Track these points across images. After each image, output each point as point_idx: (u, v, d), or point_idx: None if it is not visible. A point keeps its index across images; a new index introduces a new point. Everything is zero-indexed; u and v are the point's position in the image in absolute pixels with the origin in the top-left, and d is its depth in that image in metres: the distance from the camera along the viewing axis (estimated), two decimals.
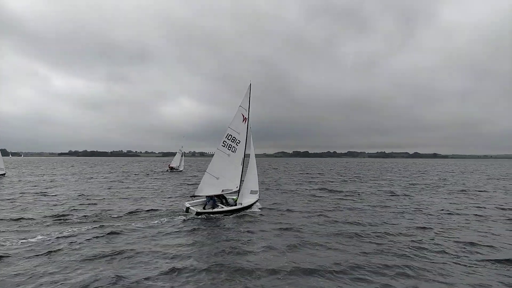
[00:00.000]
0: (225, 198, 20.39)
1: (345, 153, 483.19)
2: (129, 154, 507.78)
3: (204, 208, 19.01)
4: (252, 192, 20.60)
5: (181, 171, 70.10)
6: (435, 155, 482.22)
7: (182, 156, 72.42)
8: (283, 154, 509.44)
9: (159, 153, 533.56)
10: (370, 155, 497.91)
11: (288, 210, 20.69)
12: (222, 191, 19.44)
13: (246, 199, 20.11)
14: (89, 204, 22.51)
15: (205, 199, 19.73)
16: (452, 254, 11.87)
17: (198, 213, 18.10)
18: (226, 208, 18.99)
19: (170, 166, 72.45)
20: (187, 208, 18.66)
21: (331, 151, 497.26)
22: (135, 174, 58.80)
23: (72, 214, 18.46)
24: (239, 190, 20.06)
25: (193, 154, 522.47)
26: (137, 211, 19.50)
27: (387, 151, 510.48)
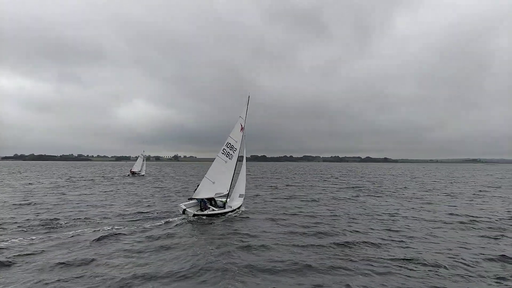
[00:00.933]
0: (215, 200, 21.92)
1: (301, 157, 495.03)
2: (80, 158, 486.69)
3: (201, 210, 20.42)
4: (240, 195, 22.43)
5: (142, 175, 70.03)
6: (385, 160, 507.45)
7: (144, 160, 73.26)
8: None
9: (112, 157, 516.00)
10: (325, 159, 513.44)
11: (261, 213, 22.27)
12: (215, 194, 21.03)
13: (234, 202, 21.86)
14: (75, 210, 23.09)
15: (196, 201, 21.18)
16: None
17: (195, 215, 19.52)
18: (220, 211, 20.52)
19: (132, 170, 72.15)
20: (184, 210, 20.01)
21: (288, 155, 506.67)
22: (103, 178, 58.05)
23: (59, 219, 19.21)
24: (228, 194, 21.69)
25: (147, 158, 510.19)
26: (131, 214, 20.70)
27: (341, 155, 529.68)
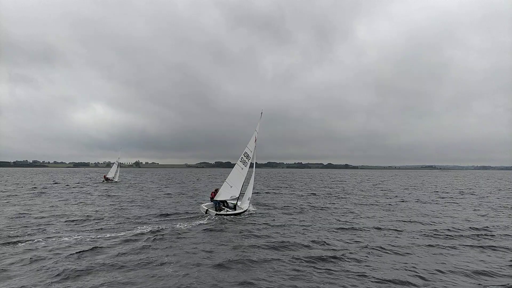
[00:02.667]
0: (227, 202, 24.95)
1: (265, 163, 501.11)
2: (35, 164, 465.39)
3: (216, 210, 23.47)
4: (249, 198, 25.56)
5: (116, 182, 70.44)
6: (346, 166, 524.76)
7: (118, 167, 73.31)
8: (205, 165, 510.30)
9: (69, 163, 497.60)
10: (289, 166, 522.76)
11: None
12: (231, 196, 24.12)
13: (244, 204, 24.94)
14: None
15: (213, 203, 24.45)
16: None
17: (216, 214, 22.66)
18: (236, 212, 23.60)
19: (106, 176, 72.78)
20: (206, 210, 23.23)
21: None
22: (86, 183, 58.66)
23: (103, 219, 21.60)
24: (238, 197, 24.76)
25: (108, 164, 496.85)
26: (157, 215, 23.36)
27: (304, 161, 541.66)
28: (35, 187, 52.09)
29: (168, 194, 41.52)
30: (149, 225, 19.57)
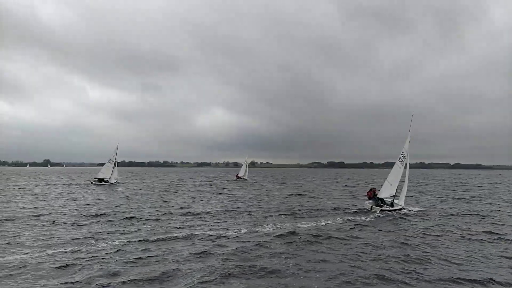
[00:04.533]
0: (383, 200, 26.26)
1: (382, 163, 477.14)
2: (165, 164, 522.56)
3: (378, 207, 25.20)
4: (405, 196, 26.66)
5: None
6: (478, 166, 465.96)
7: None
8: (318, 165, 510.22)
9: (194, 163, 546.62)
10: (410, 166, 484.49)
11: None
12: (389, 194, 25.44)
13: (401, 202, 26.01)
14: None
15: (371, 200, 26.14)
16: None
17: (382, 210, 24.16)
18: (396, 208, 25.12)
19: (238, 175, 79.60)
20: (371, 207, 24.85)
21: (368, 161, 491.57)
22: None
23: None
24: (394, 195, 25.96)
25: (226, 164, 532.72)
26: (327, 209, 26.10)
27: (427, 161, 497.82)
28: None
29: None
30: (329, 217, 22.54)
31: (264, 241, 15.62)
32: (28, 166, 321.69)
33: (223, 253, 13.51)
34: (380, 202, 25.83)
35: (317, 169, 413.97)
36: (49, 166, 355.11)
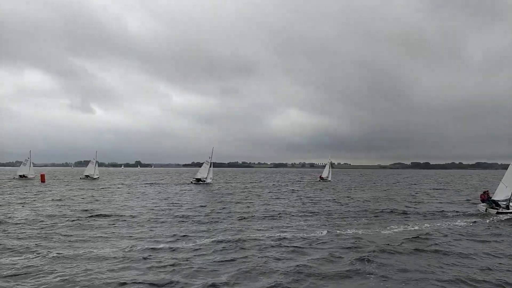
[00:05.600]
0: (496, 203, 25.58)
1: (472, 164, 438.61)
2: (243, 165, 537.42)
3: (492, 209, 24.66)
4: None
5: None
6: None
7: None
8: (400, 166, 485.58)
9: (270, 163, 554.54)
10: (504, 167, 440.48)
11: None
12: (505, 196, 24.84)
13: None
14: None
15: (485, 203, 25.73)
16: None
17: (498, 213, 23.76)
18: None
19: (321, 176, 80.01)
20: (486, 209, 24.66)
21: (456, 162, 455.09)
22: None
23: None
24: (510, 197, 25.01)
25: (302, 165, 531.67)
26: (434, 212, 26.11)
27: None
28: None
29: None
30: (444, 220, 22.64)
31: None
32: (122, 167, 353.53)
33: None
34: (494, 204, 25.22)
35: (399, 170, 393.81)
36: (138, 166, 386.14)
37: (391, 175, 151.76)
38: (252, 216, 23.53)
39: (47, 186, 54.31)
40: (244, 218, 22.87)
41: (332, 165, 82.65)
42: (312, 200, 35.17)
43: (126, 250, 14.18)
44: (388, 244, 15.34)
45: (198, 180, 63.55)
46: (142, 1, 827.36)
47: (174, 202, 32.17)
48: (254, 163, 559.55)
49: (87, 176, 77.00)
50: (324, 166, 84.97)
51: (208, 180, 63.57)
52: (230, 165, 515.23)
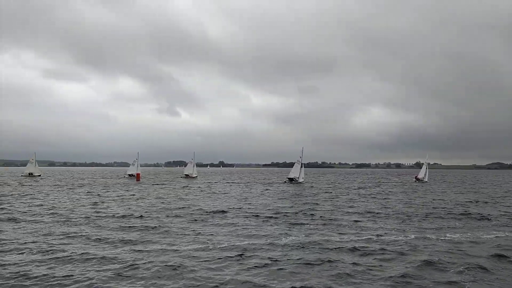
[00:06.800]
0: None
1: None
2: (323, 165, 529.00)
3: None
4: None
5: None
6: None
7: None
8: (499, 166, 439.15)
9: (352, 164, 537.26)
10: None
11: None
12: None
13: None
14: None
15: None
16: None
17: None
18: None
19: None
20: None
21: None
22: None
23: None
24: None
25: (388, 165, 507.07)
26: None
27: None
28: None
29: None
30: None
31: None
32: (208, 167, 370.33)
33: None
34: None
35: (498, 170, 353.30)
36: (221, 166, 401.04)
37: (498, 175, 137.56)
38: (348, 217, 23.21)
39: (158, 185, 59.68)
40: (359, 218, 22.48)
41: (419, 165, 78.69)
42: (411, 202, 33.00)
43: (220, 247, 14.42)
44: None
45: (291, 179, 65.18)
46: (219, 5, 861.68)
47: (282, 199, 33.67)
48: (334, 163, 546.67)
49: (187, 175, 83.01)
50: (412, 166, 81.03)
51: (301, 180, 64.89)
52: (310, 165, 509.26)
